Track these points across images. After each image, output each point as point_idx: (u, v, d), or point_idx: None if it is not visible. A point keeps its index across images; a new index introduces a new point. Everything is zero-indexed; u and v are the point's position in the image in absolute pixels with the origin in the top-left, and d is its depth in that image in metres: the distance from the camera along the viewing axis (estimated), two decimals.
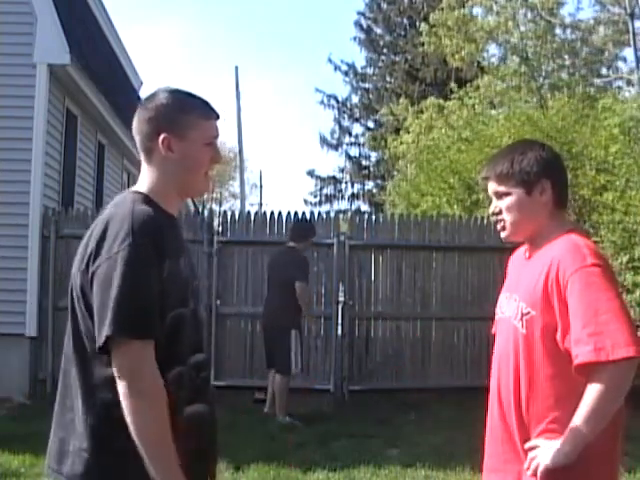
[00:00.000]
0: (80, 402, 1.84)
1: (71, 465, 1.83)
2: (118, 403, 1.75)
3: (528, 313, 2.06)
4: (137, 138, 2.01)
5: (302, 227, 7.63)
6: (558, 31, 18.67)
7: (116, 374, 1.75)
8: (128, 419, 1.73)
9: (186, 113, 1.97)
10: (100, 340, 1.74)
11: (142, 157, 2.01)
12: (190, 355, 1.92)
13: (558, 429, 1.98)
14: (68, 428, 1.87)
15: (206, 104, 2.02)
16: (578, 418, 1.93)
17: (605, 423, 1.93)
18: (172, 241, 1.90)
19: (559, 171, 2.23)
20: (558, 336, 1.99)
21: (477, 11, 19.05)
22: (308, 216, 8.68)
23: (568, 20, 18.76)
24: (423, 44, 20.21)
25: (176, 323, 1.86)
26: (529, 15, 18.31)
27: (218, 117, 2.04)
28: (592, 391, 1.91)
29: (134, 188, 2.00)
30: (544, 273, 2.04)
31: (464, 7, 18.59)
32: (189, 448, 1.86)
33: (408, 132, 18.20)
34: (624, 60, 19.06)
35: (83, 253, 1.87)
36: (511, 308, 2.15)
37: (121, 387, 1.74)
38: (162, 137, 1.94)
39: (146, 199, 1.92)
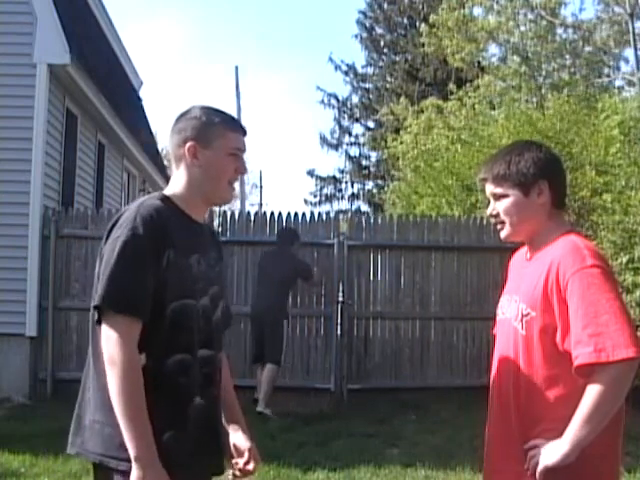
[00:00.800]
0: (93, 379, 1.99)
1: (85, 437, 1.98)
2: None
3: (528, 314, 2.06)
4: (169, 149, 2.19)
5: (289, 234, 7.92)
6: (559, 31, 18.68)
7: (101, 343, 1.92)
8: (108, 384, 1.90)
9: (212, 124, 2.13)
10: (94, 312, 1.93)
11: (173, 164, 2.18)
12: (198, 348, 2.04)
13: (558, 429, 1.98)
14: (85, 406, 2.01)
15: (233, 118, 2.20)
16: (577, 418, 1.93)
17: (604, 424, 1.93)
18: (181, 238, 2.04)
19: (556, 172, 2.22)
20: (558, 337, 2.00)
21: (477, 11, 19.08)
22: (308, 216, 8.68)
23: (570, 20, 18.78)
24: (423, 44, 20.22)
25: (179, 312, 1.99)
26: (530, 15, 18.31)
27: (245, 132, 2.19)
28: (592, 392, 1.91)
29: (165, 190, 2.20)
30: (544, 274, 2.04)
31: (464, 7, 18.59)
32: (197, 437, 2.01)
33: (408, 132, 18.20)
34: (626, 61, 19.08)
35: (101, 244, 2.06)
36: (511, 309, 2.15)
37: (103, 355, 1.91)
38: (188, 145, 2.10)
39: (164, 198, 2.10)
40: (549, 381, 2.02)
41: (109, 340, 1.89)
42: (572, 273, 1.98)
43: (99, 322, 1.92)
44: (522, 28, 18.14)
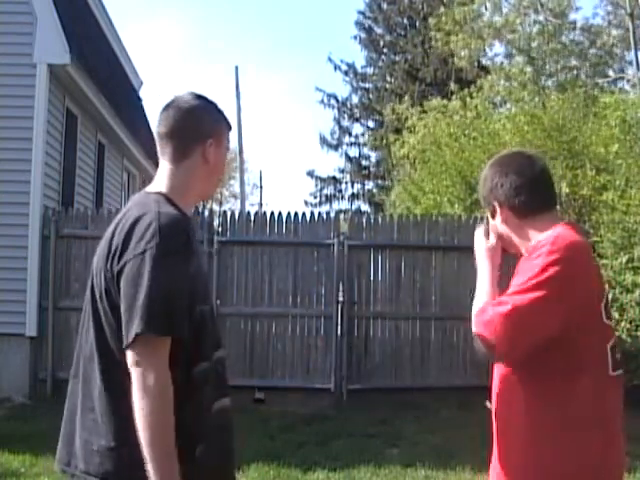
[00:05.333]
0: (103, 402, 1.87)
1: (100, 464, 1.86)
2: None
3: None
4: (171, 138, 2.02)
5: None
6: (566, 32, 18.70)
7: (130, 366, 1.78)
8: (135, 411, 1.77)
9: (223, 120, 2.08)
10: (129, 337, 1.77)
11: (170, 156, 2.02)
12: (213, 351, 1.97)
13: (528, 432, 1.98)
14: (91, 429, 1.88)
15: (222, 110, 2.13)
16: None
17: None
18: (194, 240, 1.95)
19: (505, 185, 2.17)
20: None
21: (484, 9, 19.11)
22: (308, 216, 8.67)
23: (578, 22, 18.84)
24: (423, 42, 20.26)
25: (201, 320, 1.90)
26: (534, 16, 18.34)
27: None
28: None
29: (154, 187, 2.03)
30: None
31: (473, 2, 18.62)
32: (222, 442, 1.93)
33: (411, 132, 18.17)
34: (630, 64, 19.09)
35: (106, 252, 1.89)
36: None
37: (133, 380, 1.77)
38: (209, 142, 2.01)
39: (168, 200, 1.96)
40: (521, 381, 2.03)
41: (144, 365, 1.76)
42: (519, 269, 2.07)
43: (127, 347, 1.78)
44: (528, 29, 18.19)
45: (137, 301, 1.77)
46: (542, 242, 2.03)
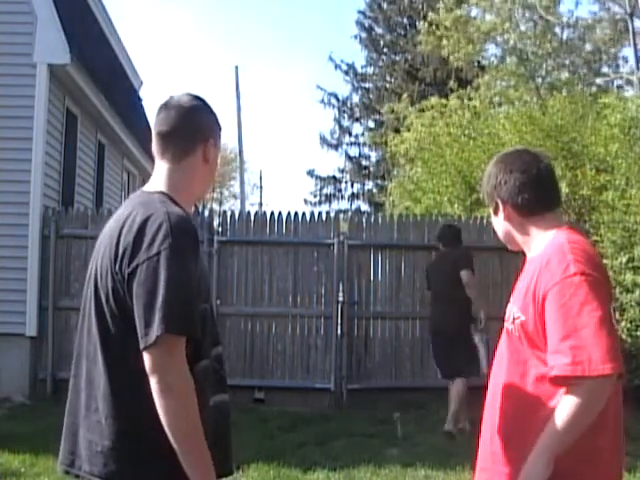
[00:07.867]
0: (108, 403, 1.86)
1: (104, 465, 1.86)
2: (148, 401, 1.77)
3: (518, 317, 2.05)
4: (173, 138, 2.01)
5: (453, 233, 7.17)
6: (557, 30, 18.72)
7: (149, 370, 1.77)
8: (161, 414, 1.76)
9: (216, 121, 2.09)
10: (150, 339, 1.76)
11: (171, 155, 2.02)
12: (211, 348, 1.97)
13: (532, 434, 1.96)
14: (95, 430, 1.88)
15: None
16: (548, 431, 1.89)
17: (574, 438, 1.87)
18: (198, 239, 1.96)
19: (509, 183, 2.16)
20: (542, 343, 1.98)
21: (474, 12, 19.17)
22: (308, 216, 8.67)
23: (566, 18, 18.86)
24: (420, 43, 20.27)
25: (202, 318, 1.90)
26: (527, 15, 18.35)
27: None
28: (564, 405, 1.87)
29: (154, 186, 2.02)
30: (532, 280, 2.03)
31: (461, 7, 18.65)
32: (217, 436, 1.93)
33: (409, 130, 18.20)
34: (625, 60, 19.11)
35: (113, 253, 1.88)
36: (508, 312, 2.16)
37: (154, 383, 1.77)
38: (210, 142, 2.03)
39: (171, 200, 1.96)
40: (541, 380, 1.99)
41: (168, 367, 1.76)
42: (554, 283, 1.94)
43: (147, 348, 1.77)
44: (520, 28, 18.20)
45: (155, 303, 1.77)
46: (562, 253, 1.99)
